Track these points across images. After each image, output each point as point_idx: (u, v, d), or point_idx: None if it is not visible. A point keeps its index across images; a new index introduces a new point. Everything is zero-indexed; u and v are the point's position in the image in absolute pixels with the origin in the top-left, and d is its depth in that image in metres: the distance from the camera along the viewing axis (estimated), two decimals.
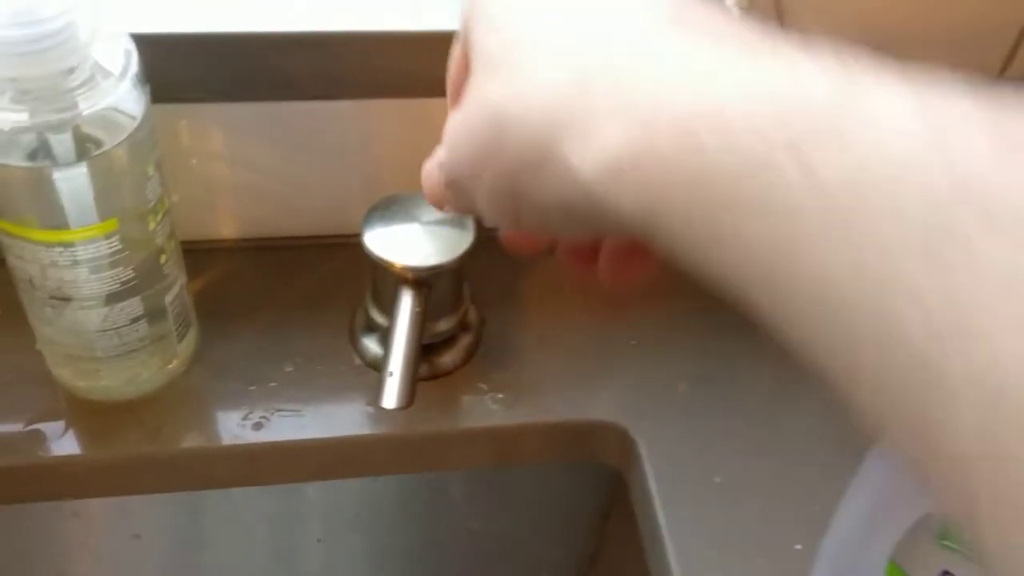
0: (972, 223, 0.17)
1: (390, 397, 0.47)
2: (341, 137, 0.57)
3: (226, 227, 0.60)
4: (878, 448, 0.38)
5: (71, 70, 0.41)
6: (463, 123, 0.29)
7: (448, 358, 0.55)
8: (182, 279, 0.51)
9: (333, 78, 0.53)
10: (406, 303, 0.49)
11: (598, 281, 0.34)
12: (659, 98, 0.24)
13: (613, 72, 0.25)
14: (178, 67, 0.51)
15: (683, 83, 0.24)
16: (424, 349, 0.55)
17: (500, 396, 0.55)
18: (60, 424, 0.52)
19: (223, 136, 0.56)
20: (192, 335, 0.54)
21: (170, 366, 0.53)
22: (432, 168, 0.35)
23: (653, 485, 0.51)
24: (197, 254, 0.57)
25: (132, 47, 0.44)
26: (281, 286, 0.59)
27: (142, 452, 0.51)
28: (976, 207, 0.17)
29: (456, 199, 0.33)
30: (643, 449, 0.53)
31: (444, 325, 0.54)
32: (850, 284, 0.19)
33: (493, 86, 0.28)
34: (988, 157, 0.17)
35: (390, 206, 0.51)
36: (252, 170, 0.58)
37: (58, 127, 0.42)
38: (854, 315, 0.19)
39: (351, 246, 0.61)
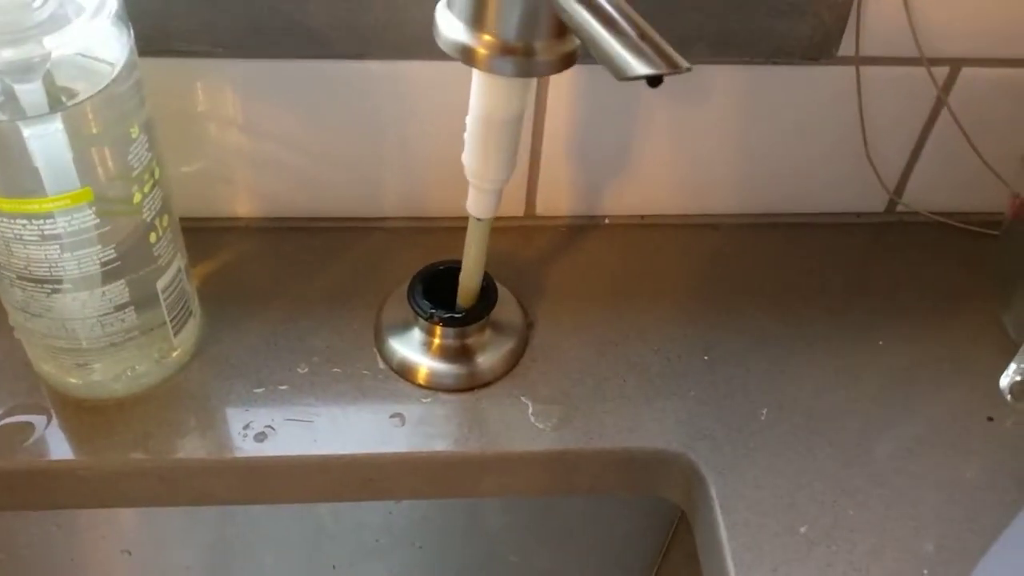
0: None
1: (670, 58, 0.29)
2: (374, 104, 0.49)
3: (241, 204, 0.53)
4: None
5: (34, 1, 0.34)
6: None
7: (487, 367, 0.47)
8: (180, 262, 0.44)
9: (364, 33, 0.45)
10: None
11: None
12: None
13: None
14: (180, 12, 0.43)
15: None
16: (459, 352, 0.48)
17: (546, 414, 0.46)
18: (41, 422, 0.45)
19: (238, 98, 0.48)
20: (192, 327, 0.47)
21: (167, 360, 0.46)
22: None
23: (724, 533, 0.42)
24: (207, 233, 0.51)
25: None
26: (299, 274, 0.51)
27: (129, 460, 0.44)
28: None
29: None
30: (714, 488, 0.44)
31: None
32: None
33: None
34: None
35: None
36: (271, 140, 0.50)
37: (24, 72, 0.35)
38: None
39: (382, 231, 0.54)
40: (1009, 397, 0.43)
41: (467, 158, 0.41)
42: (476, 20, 0.35)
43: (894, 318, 0.52)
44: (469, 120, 0.40)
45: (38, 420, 0.45)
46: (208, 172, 0.51)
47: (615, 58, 0.29)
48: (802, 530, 0.43)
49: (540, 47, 0.35)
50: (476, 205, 0.43)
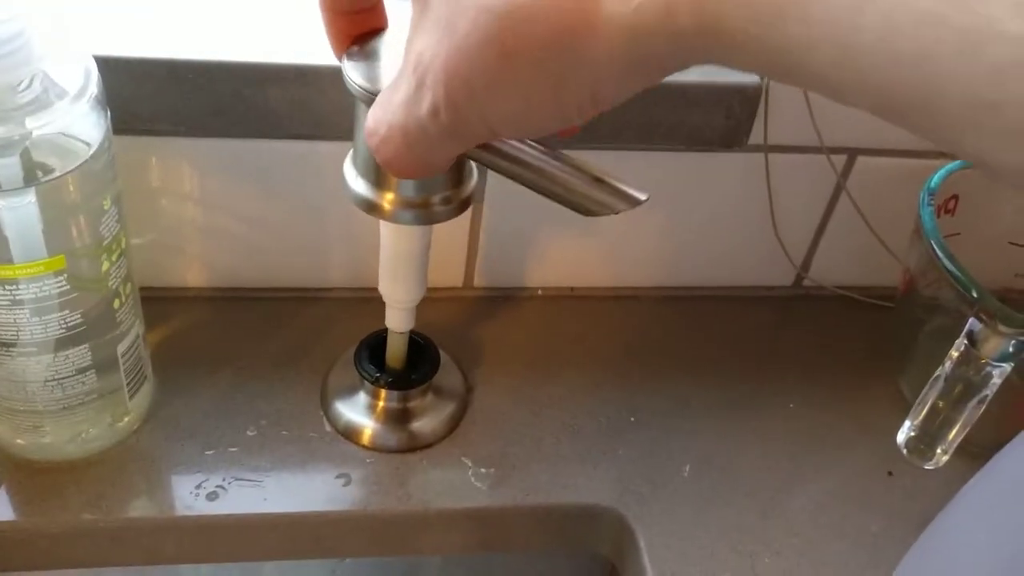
0: None
1: (628, 194, 0.35)
2: (322, 182, 0.52)
3: (192, 274, 0.55)
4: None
5: (19, 84, 0.36)
6: (458, 52, 0.26)
7: (429, 429, 0.50)
8: (138, 328, 0.46)
9: (317, 117, 0.48)
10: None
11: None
12: None
13: None
14: (149, 95, 0.46)
15: None
16: (402, 415, 0.50)
17: (485, 473, 0.49)
18: None
19: (194, 174, 0.51)
20: (146, 391, 0.49)
21: (120, 424, 0.48)
22: (409, 121, 0.29)
23: None
24: (158, 302, 0.53)
25: (93, 66, 0.39)
26: (248, 341, 0.54)
27: (81, 521, 0.46)
28: None
29: (452, 144, 0.30)
30: (642, 539, 0.47)
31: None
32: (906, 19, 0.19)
33: None
34: None
35: (370, 42, 0.37)
36: (224, 213, 0.53)
37: (3, 148, 0.37)
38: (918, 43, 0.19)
39: (326, 300, 0.57)
40: (905, 451, 0.48)
41: (381, 284, 0.46)
42: (378, 181, 0.39)
43: (803, 383, 0.57)
44: (381, 254, 0.44)
45: None
46: (160, 244, 0.53)
47: (590, 206, 0.35)
48: None
49: (438, 199, 0.39)
50: (392, 321, 0.48)
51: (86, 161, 0.39)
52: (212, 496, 0.46)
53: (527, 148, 0.34)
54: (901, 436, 0.49)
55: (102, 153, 0.40)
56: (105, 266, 0.42)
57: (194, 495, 0.46)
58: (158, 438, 0.49)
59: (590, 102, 0.26)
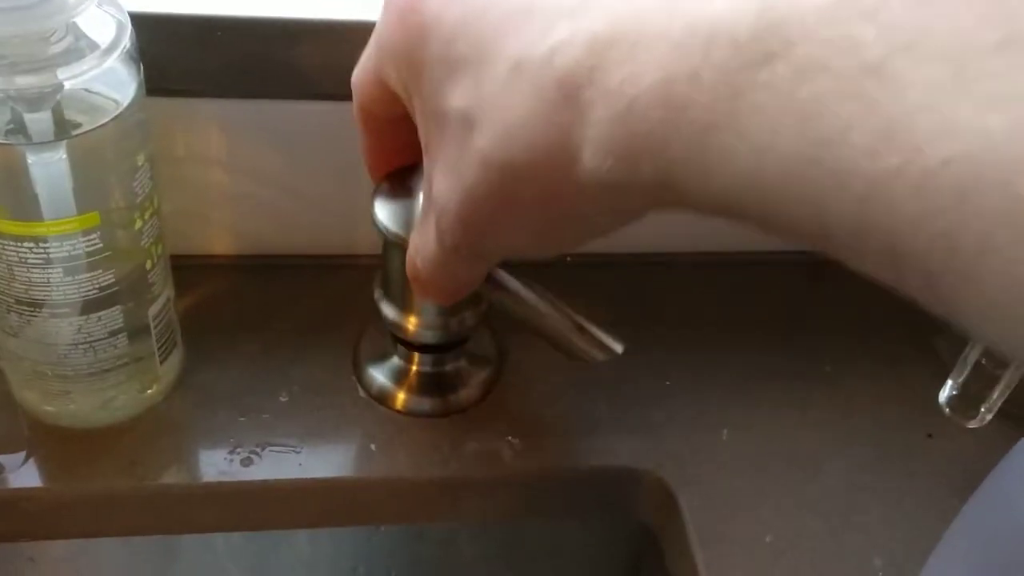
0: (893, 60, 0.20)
1: (606, 344, 0.43)
2: (352, 145, 0.51)
3: (219, 241, 0.54)
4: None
5: (52, 34, 0.35)
6: (469, 200, 0.29)
7: (463, 393, 0.50)
8: (169, 292, 0.46)
9: (349, 76, 0.47)
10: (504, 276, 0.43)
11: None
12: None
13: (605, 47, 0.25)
14: (174, 53, 0.45)
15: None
16: (435, 380, 0.50)
17: (521, 438, 0.49)
18: (19, 454, 0.45)
19: (220, 137, 0.50)
20: (176, 357, 0.48)
21: (150, 391, 0.47)
22: (431, 254, 0.34)
23: (696, 545, 0.45)
24: (186, 270, 0.51)
25: (126, 19, 0.38)
26: (278, 308, 0.53)
27: (113, 487, 0.45)
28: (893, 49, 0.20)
29: (475, 266, 0.37)
30: (684, 503, 0.46)
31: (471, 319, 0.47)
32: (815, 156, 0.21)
33: (480, 140, 0.28)
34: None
35: (402, 179, 0.43)
36: (251, 178, 0.52)
37: (35, 101, 0.37)
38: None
39: (358, 267, 0.56)
40: (948, 411, 0.47)
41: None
42: (405, 307, 0.45)
43: (838, 347, 0.56)
44: None
45: (18, 449, 0.45)
46: (185, 210, 0.52)
47: (572, 351, 0.43)
48: (768, 539, 0.46)
49: (455, 320, 0.46)
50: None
51: (119, 115, 0.38)
52: (247, 462, 0.46)
53: (524, 292, 0.42)
54: (943, 395, 0.48)
55: (135, 107, 0.39)
56: (138, 224, 0.41)
57: (228, 461, 0.46)
58: (189, 405, 0.48)
59: (586, 237, 0.31)
